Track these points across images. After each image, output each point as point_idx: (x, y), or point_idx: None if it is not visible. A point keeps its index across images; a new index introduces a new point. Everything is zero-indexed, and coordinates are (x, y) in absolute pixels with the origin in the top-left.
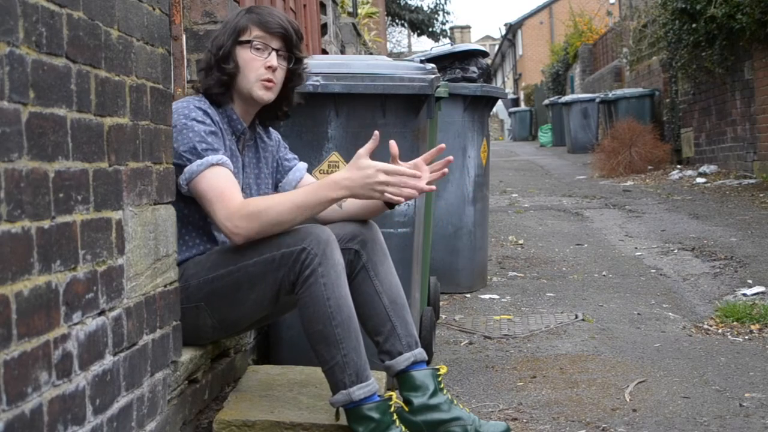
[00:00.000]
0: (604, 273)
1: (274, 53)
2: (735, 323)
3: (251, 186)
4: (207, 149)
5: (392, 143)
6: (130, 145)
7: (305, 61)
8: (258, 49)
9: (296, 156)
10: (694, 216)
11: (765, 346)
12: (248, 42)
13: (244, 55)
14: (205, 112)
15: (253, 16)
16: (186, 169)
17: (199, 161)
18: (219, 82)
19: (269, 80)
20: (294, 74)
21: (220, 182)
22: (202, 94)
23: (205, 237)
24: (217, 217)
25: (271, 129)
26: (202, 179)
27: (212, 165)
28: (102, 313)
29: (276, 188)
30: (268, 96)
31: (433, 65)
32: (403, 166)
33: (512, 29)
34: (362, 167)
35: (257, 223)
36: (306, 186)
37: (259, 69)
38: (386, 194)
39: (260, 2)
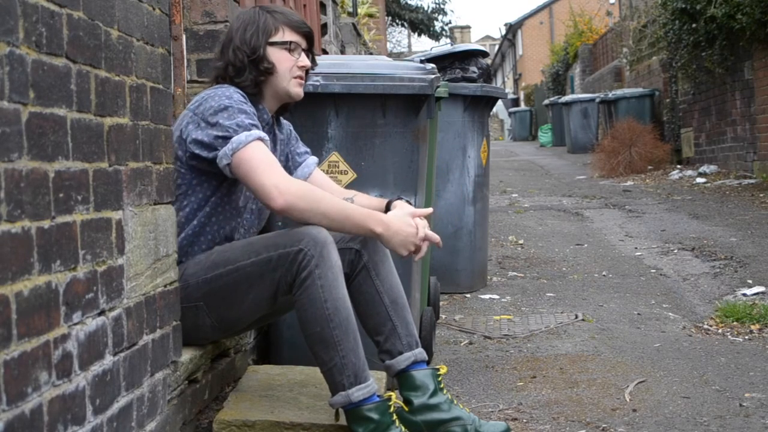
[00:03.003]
0: (604, 273)
1: (304, 54)
2: (735, 323)
3: None
4: (252, 124)
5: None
6: (130, 145)
7: None
8: (292, 50)
9: (308, 150)
10: (694, 216)
11: (765, 346)
12: (283, 44)
13: (278, 55)
14: (244, 96)
15: (279, 16)
16: (233, 139)
17: (247, 133)
18: (254, 82)
19: (302, 77)
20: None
21: (266, 154)
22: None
23: (219, 238)
24: (261, 182)
25: (283, 121)
26: (249, 148)
27: (259, 138)
28: (102, 313)
29: None
30: (301, 92)
31: (433, 65)
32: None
33: (512, 29)
34: (410, 223)
35: (306, 201)
36: (364, 208)
37: (292, 68)
38: (411, 250)
39: (261, 2)
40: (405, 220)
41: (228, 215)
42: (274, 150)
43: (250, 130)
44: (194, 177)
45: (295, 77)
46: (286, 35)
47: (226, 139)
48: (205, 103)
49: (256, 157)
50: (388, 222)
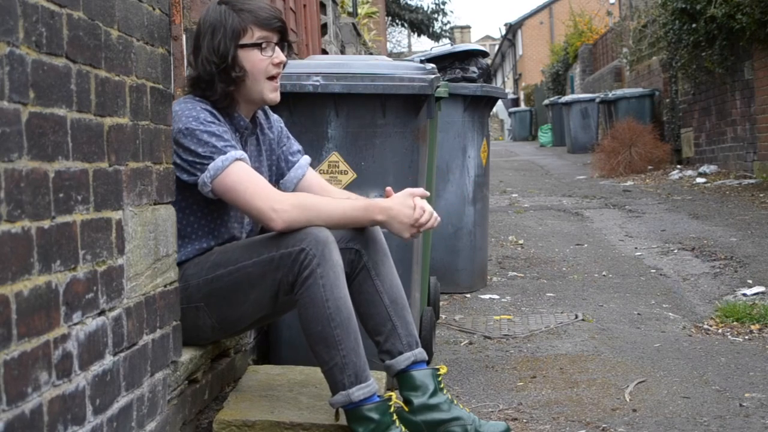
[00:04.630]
0: (604, 273)
1: (278, 48)
2: (735, 323)
3: None
4: (226, 146)
5: (388, 189)
6: (130, 145)
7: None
8: (264, 49)
9: (301, 149)
10: (694, 216)
11: (765, 346)
12: (255, 45)
13: (250, 57)
14: (212, 113)
15: (246, 15)
16: (210, 166)
17: (222, 157)
18: (225, 94)
19: (276, 77)
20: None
21: (250, 175)
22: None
23: (210, 234)
24: (256, 206)
25: (273, 118)
26: (229, 174)
27: (236, 160)
28: (102, 313)
29: (277, 184)
30: (277, 97)
31: (433, 65)
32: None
33: (512, 29)
34: (409, 205)
35: (305, 214)
36: (360, 200)
37: (267, 68)
38: (413, 233)
39: None
40: (404, 202)
41: (225, 226)
42: (259, 154)
43: (225, 152)
44: (183, 199)
45: (270, 78)
46: (256, 34)
47: (203, 165)
48: (173, 124)
49: (241, 181)
50: (388, 207)
